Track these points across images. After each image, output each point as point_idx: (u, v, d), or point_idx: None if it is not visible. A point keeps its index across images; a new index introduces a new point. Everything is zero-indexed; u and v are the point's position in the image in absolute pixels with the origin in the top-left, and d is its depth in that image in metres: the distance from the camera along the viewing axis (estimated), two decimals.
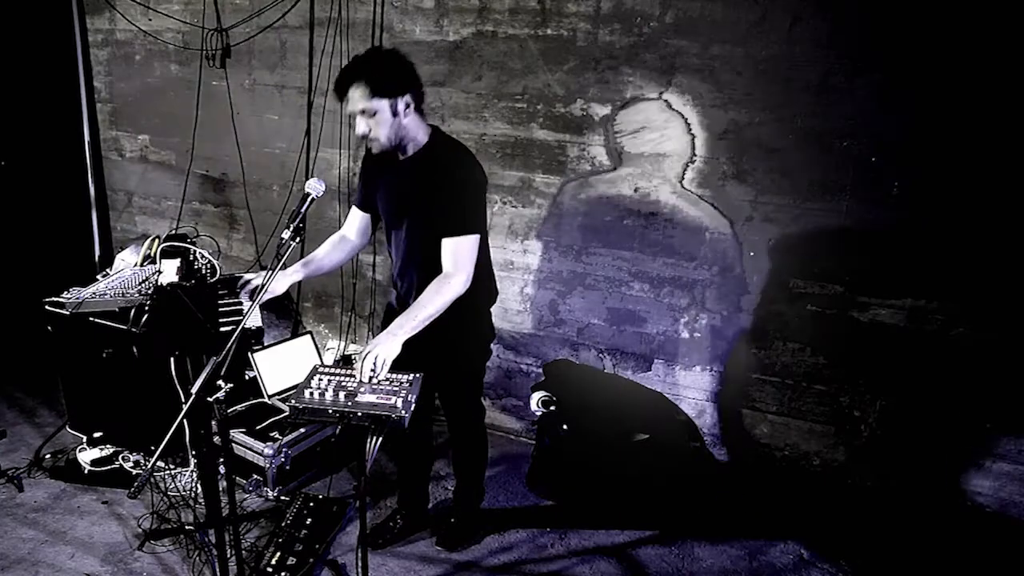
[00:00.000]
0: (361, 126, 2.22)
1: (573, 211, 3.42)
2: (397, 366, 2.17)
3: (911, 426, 3.08)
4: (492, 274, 2.59)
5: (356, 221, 2.60)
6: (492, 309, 2.64)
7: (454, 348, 2.47)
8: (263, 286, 2.12)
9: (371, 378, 2.10)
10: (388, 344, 2.14)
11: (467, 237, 2.28)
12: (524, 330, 3.68)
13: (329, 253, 2.59)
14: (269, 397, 3.36)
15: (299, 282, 2.53)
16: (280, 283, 2.39)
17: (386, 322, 2.66)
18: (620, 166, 3.28)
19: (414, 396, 2.01)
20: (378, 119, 2.18)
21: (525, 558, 2.82)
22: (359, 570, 2.24)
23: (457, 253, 2.27)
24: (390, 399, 1.97)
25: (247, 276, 2.43)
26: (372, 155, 2.41)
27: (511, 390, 3.79)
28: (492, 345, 3.76)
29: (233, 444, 3.02)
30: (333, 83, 2.24)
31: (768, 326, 3.21)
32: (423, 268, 2.39)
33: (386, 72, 2.17)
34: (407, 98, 2.19)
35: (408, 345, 2.21)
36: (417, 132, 2.29)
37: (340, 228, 2.67)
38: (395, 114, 2.18)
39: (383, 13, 3.55)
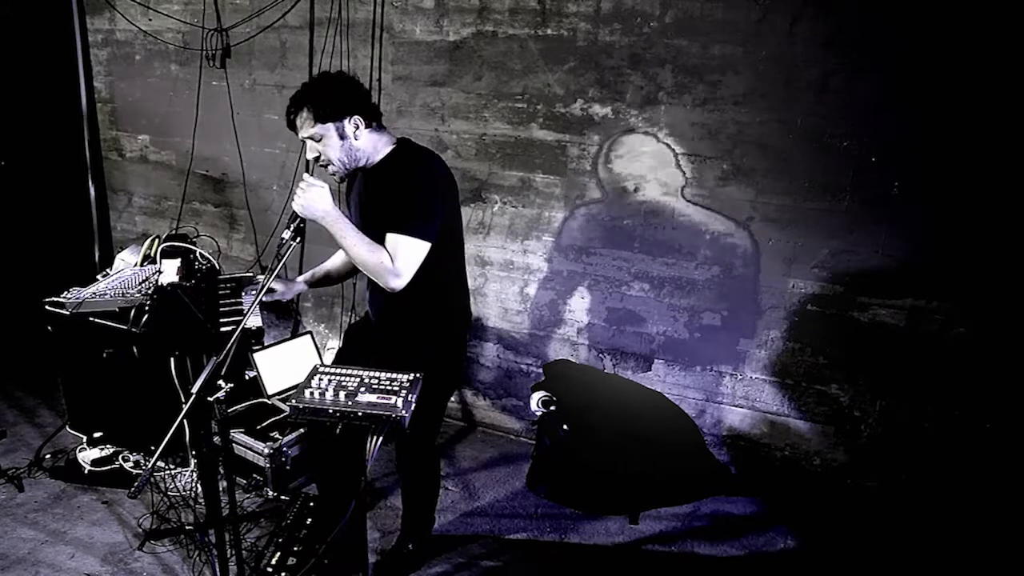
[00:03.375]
0: (310, 151, 2.20)
1: (573, 212, 3.42)
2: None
3: (911, 426, 3.08)
4: (463, 294, 2.43)
5: None
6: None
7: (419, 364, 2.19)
8: (263, 285, 2.13)
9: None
10: (319, 197, 2.06)
11: (415, 239, 2.09)
12: (524, 330, 3.68)
13: (339, 265, 2.63)
14: (269, 397, 3.36)
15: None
16: (290, 290, 2.45)
17: (349, 332, 2.61)
18: (616, 183, 3.28)
19: (414, 396, 2.01)
20: (325, 143, 2.15)
21: (525, 559, 2.82)
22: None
23: (396, 250, 2.08)
24: (390, 399, 1.97)
25: (259, 277, 2.46)
26: (348, 181, 2.37)
27: (511, 390, 3.79)
28: (492, 345, 3.77)
29: (233, 444, 3.02)
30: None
31: (768, 326, 3.21)
32: (385, 291, 2.19)
33: (329, 96, 2.13)
34: (355, 119, 2.14)
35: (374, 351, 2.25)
36: (377, 147, 2.21)
37: None
38: (343, 136, 2.15)
39: (383, 13, 3.55)
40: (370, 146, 2.20)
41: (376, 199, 2.22)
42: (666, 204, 3.25)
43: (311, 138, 2.16)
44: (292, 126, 2.19)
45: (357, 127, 2.15)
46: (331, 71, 2.23)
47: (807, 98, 2.92)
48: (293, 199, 2.08)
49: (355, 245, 2.10)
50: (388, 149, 2.23)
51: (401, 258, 2.09)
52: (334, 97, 2.13)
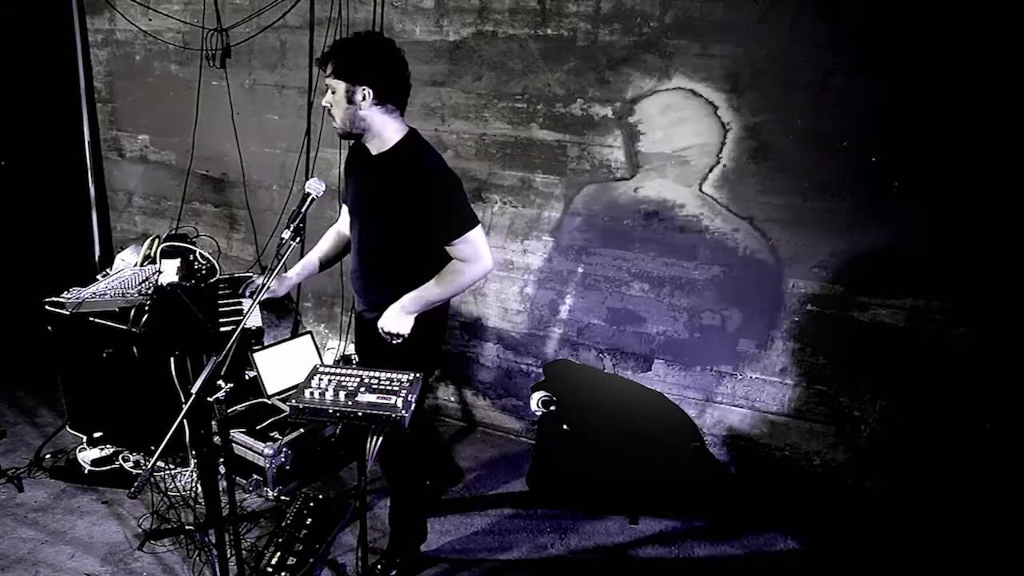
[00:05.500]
0: (324, 98, 2.25)
1: (574, 211, 3.42)
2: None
3: (911, 426, 3.08)
4: None
5: (346, 217, 2.62)
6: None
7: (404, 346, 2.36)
8: (263, 285, 2.13)
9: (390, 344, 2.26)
10: (398, 320, 2.25)
11: (471, 232, 2.24)
12: (524, 330, 3.68)
13: (327, 250, 2.63)
14: (269, 397, 3.36)
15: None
16: (282, 285, 2.43)
17: (358, 329, 2.62)
18: (636, 172, 3.28)
19: (414, 396, 2.01)
20: (335, 99, 2.21)
21: (525, 558, 2.82)
22: (359, 570, 2.24)
23: (468, 250, 2.26)
24: (390, 399, 1.97)
25: (254, 278, 2.45)
26: (352, 150, 2.45)
27: (511, 390, 3.79)
28: (492, 345, 3.77)
29: (233, 444, 3.02)
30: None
31: (768, 326, 3.21)
32: (368, 271, 2.40)
33: (353, 56, 2.17)
34: (365, 90, 2.16)
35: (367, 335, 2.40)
36: (382, 129, 2.24)
37: None
38: (350, 101, 2.18)
39: (383, 13, 3.55)
40: (377, 123, 2.23)
41: (384, 194, 2.28)
42: (665, 205, 3.25)
43: (327, 86, 2.21)
44: (322, 66, 2.25)
45: (364, 98, 2.17)
46: (376, 33, 2.27)
47: (807, 98, 2.92)
48: (382, 329, 2.27)
49: (446, 293, 2.31)
50: (398, 137, 2.27)
51: (479, 250, 2.27)
52: (355, 59, 2.16)
